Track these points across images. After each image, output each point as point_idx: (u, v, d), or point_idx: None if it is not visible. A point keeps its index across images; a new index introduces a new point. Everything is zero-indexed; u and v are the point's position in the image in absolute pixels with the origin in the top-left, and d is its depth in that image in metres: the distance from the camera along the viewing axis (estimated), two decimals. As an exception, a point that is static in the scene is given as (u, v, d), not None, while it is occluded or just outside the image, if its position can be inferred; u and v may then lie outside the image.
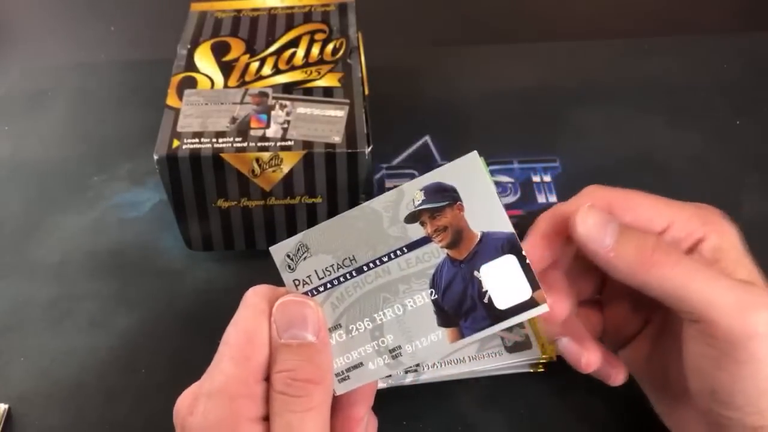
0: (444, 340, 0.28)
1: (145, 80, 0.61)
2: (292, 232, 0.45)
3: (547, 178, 0.52)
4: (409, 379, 0.39)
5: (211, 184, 0.43)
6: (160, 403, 0.40)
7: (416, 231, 0.28)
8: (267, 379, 0.28)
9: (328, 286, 0.29)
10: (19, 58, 0.67)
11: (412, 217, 0.29)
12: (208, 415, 0.26)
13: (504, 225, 0.28)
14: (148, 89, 0.60)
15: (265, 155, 0.42)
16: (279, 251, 0.29)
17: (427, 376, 0.39)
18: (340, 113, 0.44)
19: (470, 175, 0.28)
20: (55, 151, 0.56)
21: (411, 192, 0.29)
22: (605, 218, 0.29)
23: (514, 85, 0.61)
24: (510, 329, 0.40)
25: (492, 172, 0.53)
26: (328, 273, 0.29)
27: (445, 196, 0.28)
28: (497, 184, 0.51)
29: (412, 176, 0.52)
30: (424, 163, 0.53)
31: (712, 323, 0.27)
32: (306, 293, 0.29)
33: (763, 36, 0.65)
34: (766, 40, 0.65)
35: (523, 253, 0.28)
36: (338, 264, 0.29)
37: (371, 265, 0.29)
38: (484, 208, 0.28)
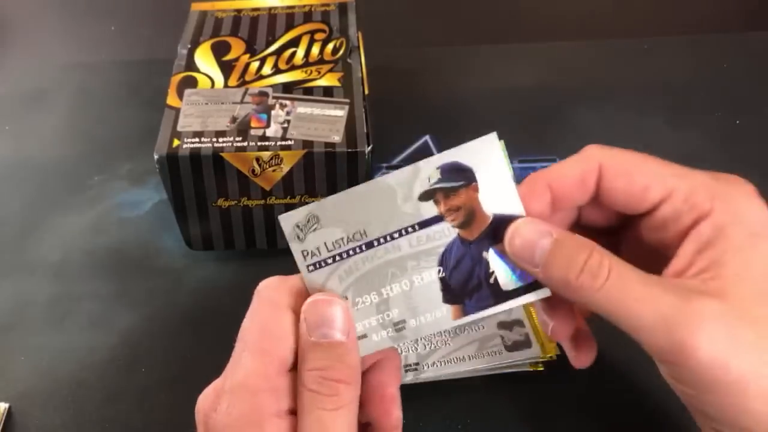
0: (447, 316, 0.29)
1: (145, 80, 0.61)
2: (292, 231, 0.45)
3: (547, 178, 0.52)
4: (409, 379, 0.39)
5: (211, 183, 0.43)
6: (160, 401, 0.40)
7: (429, 209, 0.28)
8: (290, 371, 0.28)
9: (337, 258, 0.29)
10: (19, 58, 0.67)
11: (427, 195, 0.28)
12: (232, 411, 0.26)
13: (516, 208, 0.28)
14: (148, 89, 0.60)
15: (266, 154, 0.42)
16: (288, 220, 0.29)
17: (427, 375, 0.39)
18: (340, 113, 0.44)
19: (487, 157, 0.28)
20: (55, 151, 0.56)
21: (427, 170, 0.28)
22: (536, 234, 0.27)
23: (514, 85, 0.61)
24: (510, 328, 0.40)
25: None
26: (338, 246, 0.29)
27: (461, 176, 0.28)
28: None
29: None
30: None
31: (644, 344, 0.26)
32: (314, 264, 0.29)
33: (763, 36, 0.65)
34: (766, 40, 0.65)
35: None
36: (348, 237, 0.29)
37: (382, 240, 0.29)
38: (499, 190, 0.28)
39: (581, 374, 0.39)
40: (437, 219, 0.29)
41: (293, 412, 0.28)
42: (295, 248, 0.29)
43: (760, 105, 0.58)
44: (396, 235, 0.29)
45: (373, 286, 0.29)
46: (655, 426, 0.38)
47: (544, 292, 0.28)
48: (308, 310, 0.28)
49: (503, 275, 0.28)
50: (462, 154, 0.28)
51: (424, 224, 0.29)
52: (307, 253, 0.29)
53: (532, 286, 0.28)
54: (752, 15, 0.70)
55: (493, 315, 0.30)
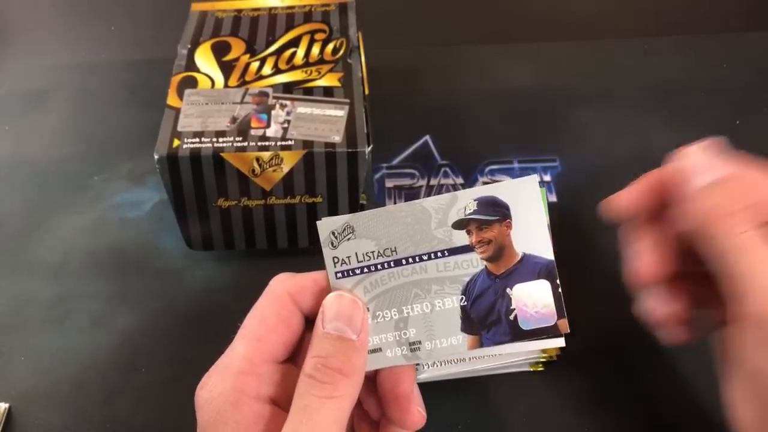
0: (463, 344, 0.29)
1: (146, 80, 0.61)
2: (292, 231, 0.45)
3: (547, 178, 0.52)
4: (409, 379, 0.39)
5: (211, 183, 0.43)
6: (160, 402, 0.40)
7: (461, 238, 0.29)
8: (282, 363, 0.29)
9: (365, 270, 0.30)
10: (19, 58, 0.67)
11: (460, 224, 0.29)
12: (213, 389, 0.28)
13: (546, 251, 0.29)
14: (149, 89, 0.60)
15: (266, 155, 0.42)
16: (325, 227, 0.30)
17: (426, 375, 0.39)
18: (340, 113, 0.44)
19: (525, 197, 0.29)
20: (55, 151, 0.56)
21: (464, 200, 0.29)
22: (714, 162, 0.29)
23: (514, 85, 0.61)
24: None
25: (492, 172, 0.53)
26: (368, 258, 0.30)
27: (496, 211, 0.29)
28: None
29: (412, 176, 0.52)
30: (424, 163, 0.53)
31: (742, 300, 0.26)
32: (342, 272, 0.30)
33: (763, 36, 0.65)
34: (766, 40, 0.65)
35: (557, 281, 0.29)
36: (379, 252, 0.30)
37: (410, 260, 0.30)
38: (531, 231, 0.29)
39: (581, 374, 0.39)
40: (467, 249, 0.29)
41: (278, 403, 0.29)
42: (327, 254, 0.30)
43: (760, 105, 0.58)
44: (425, 258, 0.29)
45: (395, 303, 0.30)
46: (654, 425, 0.38)
47: (558, 341, 0.29)
48: (329, 302, 0.29)
49: (523, 314, 0.29)
50: (501, 189, 0.29)
51: (454, 251, 0.29)
52: (338, 260, 0.30)
53: (549, 329, 0.29)
54: (752, 15, 0.70)
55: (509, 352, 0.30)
